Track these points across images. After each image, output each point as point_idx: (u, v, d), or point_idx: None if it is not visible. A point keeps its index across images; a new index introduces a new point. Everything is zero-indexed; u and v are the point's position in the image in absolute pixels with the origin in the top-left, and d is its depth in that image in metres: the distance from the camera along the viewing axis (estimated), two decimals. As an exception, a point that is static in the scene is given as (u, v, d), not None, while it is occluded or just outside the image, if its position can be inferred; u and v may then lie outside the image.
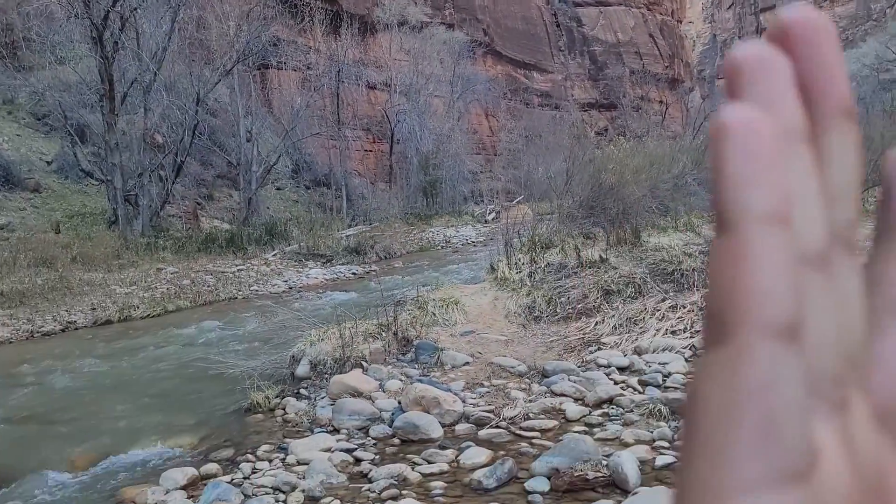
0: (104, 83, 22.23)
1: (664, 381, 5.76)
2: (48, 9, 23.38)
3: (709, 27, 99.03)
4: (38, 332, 12.24)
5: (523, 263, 9.55)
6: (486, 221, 34.60)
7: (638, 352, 6.73)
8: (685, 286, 9.37)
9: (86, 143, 26.97)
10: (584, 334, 7.53)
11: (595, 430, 4.84)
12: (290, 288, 16.36)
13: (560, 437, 4.68)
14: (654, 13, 73.65)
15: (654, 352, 6.67)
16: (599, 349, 6.97)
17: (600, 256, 9.88)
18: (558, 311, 8.29)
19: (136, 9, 22.73)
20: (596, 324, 7.76)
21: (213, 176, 31.63)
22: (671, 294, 8.91)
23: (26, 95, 28.88)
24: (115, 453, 5.54)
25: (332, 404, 5.73)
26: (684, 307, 8.23)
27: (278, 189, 35.51)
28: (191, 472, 4.81)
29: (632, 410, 5.07)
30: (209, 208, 29.60)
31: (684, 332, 7.40)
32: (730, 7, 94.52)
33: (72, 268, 16.72)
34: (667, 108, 67.20)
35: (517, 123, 53.13)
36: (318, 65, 37.65)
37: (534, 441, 4.76)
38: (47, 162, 27.91)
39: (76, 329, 12.59)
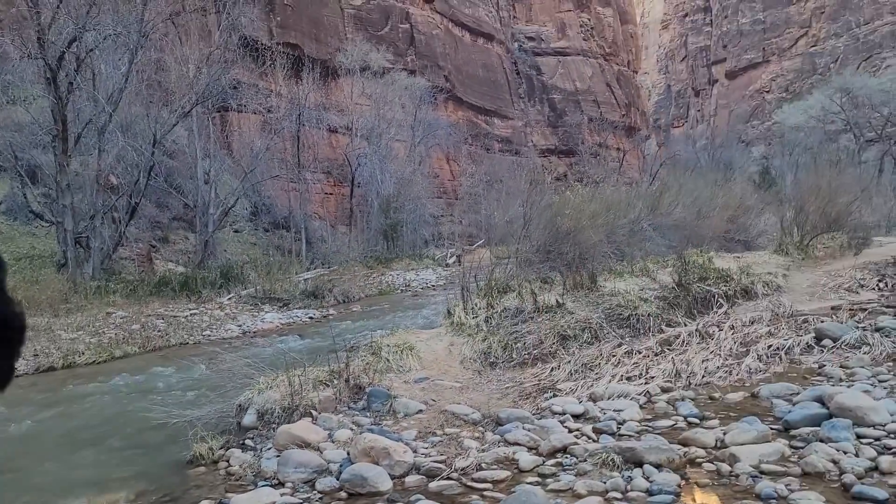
0: (57, 124, 21.83)
1: (618, 428, 5.67)
2: (1, 48, 23.01)
3: (664, 78, 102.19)
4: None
5: (480, 308, 9.47)
6: (446, 265, 34.60)
7: (593, 398, 6.65)
8: (640, 331, 9.38)
9: (37, 184, 26.38)
10: (539, 380, 7.43)
11: (548, 480, 4.71)
12: (245, 333, 16.00)
13: (512, 489, 4.54)
14: (610, 63, 75.74)
15: (609, 398, 6.60)
16: (555, 395, 6.87)
17: (557, 301, 9.85)
18: (514, 356, 8.19)
19: (92, 50, 22.48)
20: (552, 370, 7.67)
21: (168, 218, 31.14)
22: (627, 339, 8.90)
23: (-24, 138, 28.19)
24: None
25: (277, 455, 5.51)
26: (640, 352, 8.21)
27: (236, 231, 35.06)
28: (123, 530, 4.54)
29: (585, 460, 4.96)
30: (164, 251, 29.04)
31: (639, 377, 7.36)
32: (683, 59, 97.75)
33: (16, 312, 16.11)
34: (624, 155, 68.72)
35: (478, 168, 53.68)
36: (280, 108, 37.65)
37: (485, 493, 4.61)
38: (-4, 203, 27.16)
39: (16, 377, 12.04)
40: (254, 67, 39.15)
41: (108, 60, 24.40)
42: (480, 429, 6.04)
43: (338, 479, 4.99)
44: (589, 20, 74.07)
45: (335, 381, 7.02)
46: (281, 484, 5.11)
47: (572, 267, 11.32)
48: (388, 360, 7.72)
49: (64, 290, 19.01)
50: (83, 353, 13.20)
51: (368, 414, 6.54)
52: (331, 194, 44.47)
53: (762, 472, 4.50)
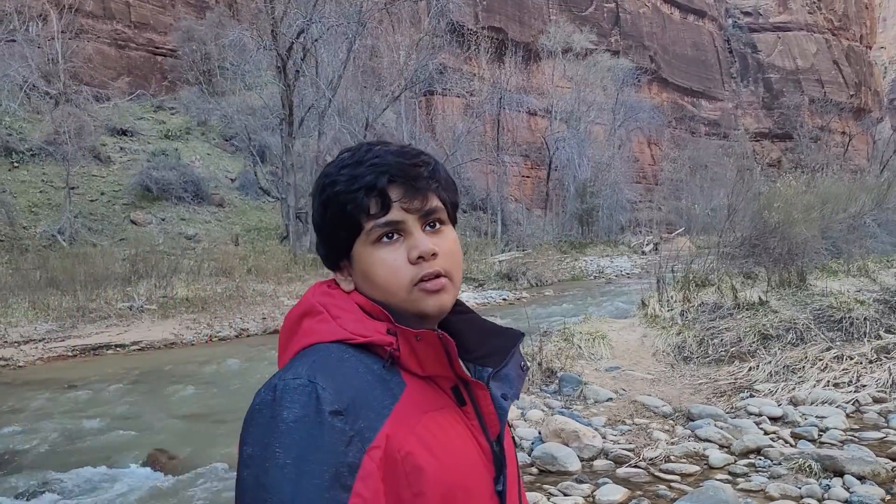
0: (285, 108, 24.12)
1: (819, 435, 5.45)
2: (241, 41, 25.76)
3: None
4: (216, 337, 13.48)
5: (675, 301, 9.33)
6: (642, 253, 33.76)
7: (793, 402, 6.39)
8: (854, 336, 8.75)
9: (265, 163, 29.36)
10: (735, 379, 7.25)
11: (739, 479, 4.68)
12: (442, 309, 16.83)
13: (700, 484, 4.58)
14: (839, 38, 68.88)
15: (811, 404, 6.31)
16: (752, 396, 6.69)
17: (760, 298, 9.45)
18: (710, 352, 8.03)
19: (317, 40, 24.50)
20: (749, 369, 7.44)
21: (376, 197, 33.17)
22: (837, 343, 8.36)
23: (217, 118, 31.88)
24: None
25: (473, 428, 5.94)
26: (851, 358, 7.70)
27: (436, 212, 36.57)
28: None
29: (780, 463, 4.85)
30: (371, 228, 31.01)
31: (848, 385, 6.93)
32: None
33: (246, 279, 18.21)
34: (850, 140, 62.34)
35: (681, 153, 51.50)
36: (482, 91, 38.59)
37: (672, 484, 4.69)
38: (231, 179, 30.62)
39: (248, 336, 13.73)
40: (459, 52, 40.37)
41: (330, 49, 26.47)
42: (671, 422, 6.08)
43: (529, 455, 5.30)
44: (816, -9, 67.74)
45: (528, 363, 7.34)
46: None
47: (779, 263, 10.75)
48: (579, 347, 7.91)
49: (286, 261, 21.12)
50: (302, 319, 14.66)
51: (559, 397, 6.79)
52: (527, 177, 44.94)
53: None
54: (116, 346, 12.30)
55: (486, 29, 44.15)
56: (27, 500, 5.36)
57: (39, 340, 12.13)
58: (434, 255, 0.96)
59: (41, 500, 5.36)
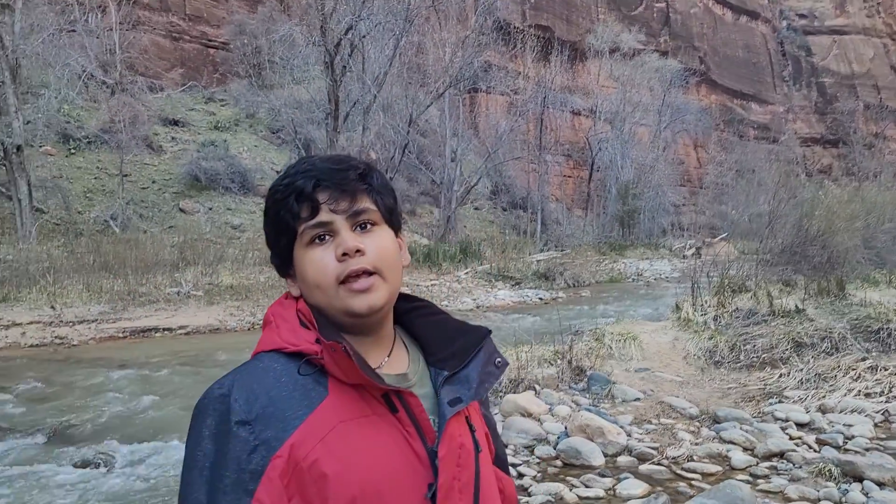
0: (331, 103, 24.54)
1: (845, 442, 5.52)
2: (291, 36, 26.29)
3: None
4: (258, 325, 13.91)
5: (709, 306, 9.39)
6: (683, 257, 33.41)
7: (822, 409, 6.45)
8: (891, 347, 8.72)
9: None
10: (765, 385, 7.31)
11: (759, 481, 4.80)
12: (478, 307, 17.06)
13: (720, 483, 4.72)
14: (898, 43, 66.91)
15: (840, 412, 6.37)
16: (780, 402, 6.76)
17: (796, 306, 9.45)
18: (741, 358, 8.09)
19: (364, 36, 24.86)
20: (780, 376, 7.50)
21: (417, 192, 33.51)
22: (873, 354, 8.34)
23: (265, 111, 32.53)
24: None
25: (502, 421, 6.14)
26: (885, 369, 7.69)
27: (476, 209, 36.80)
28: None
29: (801, 467, 4.96)
30: (411, 223, 31.38)
31: (880, 395, 6.95)
32: None
33: (289, 268, 18.65)
34: (905, 148, 60.60)
35: (728, 156, 50.67)
36: (526, 90, 38.55)
37: (693, 482, 4.83)
38: (276, 171, 31.17)
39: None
40: (504, 50, 40.39)
41: (377, 45, 26.82)
42: (696, 423, 6.19)
43: (555, 449, 5.49)
44: (875, -6, 65.92)
45: (558, 361, 7.52)
46: (504, 445, 5.73)
47: (819, 271, 10.70)
48: (610, 348, 8.05)
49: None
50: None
51: (587, 395, 6.95)
52: (569, 177, 44.79)
53: None
54: (164, 329, 12.81)
55: (533, 27, 44.08)
56: (82, 468, 5.74)
57: (92, 321, 12.70)
58: (359, 251, 1.03)
59: (96, 470, 5.73)
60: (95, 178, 25.26)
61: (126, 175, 24.72)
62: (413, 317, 1.18)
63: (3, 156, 19.40)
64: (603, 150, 39.56)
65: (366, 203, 1.07)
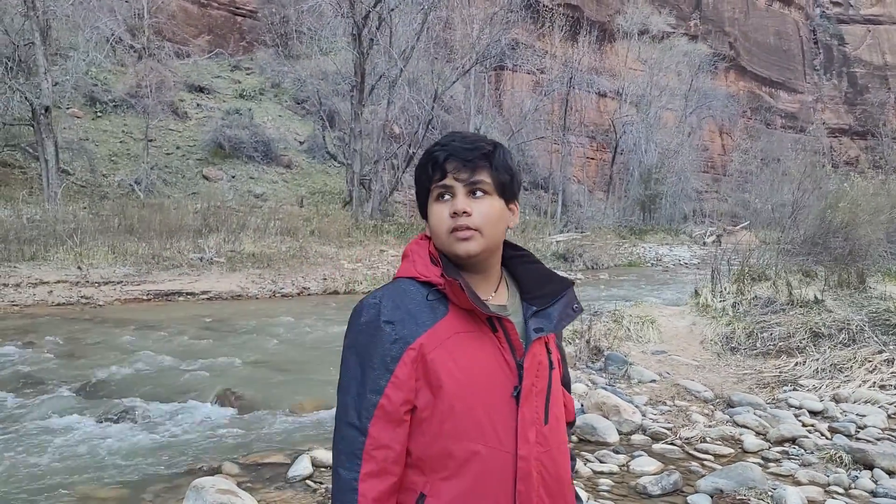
0: (356, 75, 24.54)
1: (857, 431, 5.58)
2: (320, 7, 26.24)
3: None
4: (279, 293, 14.12)
5: (728, 293, 9.42)
6: (704, 244, 33.27)
7: (836, 399, 6.50)
8: (910, 341, 8.71)
9: (334, 129, 29.94)
10: (780, 372, 7.37)
11: (770, 464, 4.88)
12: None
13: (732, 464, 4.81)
14: (934, 35, 65.47)
15: (854, 402, 6.42)
16: (795, 390, 6.82)
17: (815, 297, 9.45)
18: (758, 345, 8.14)
19: (393, 9, 24.77)
20: (796, 364, 7.54)
21: (439, 169, 33.38)
22: (890, 347, 8.35)
23: (291, 81, 32.57)
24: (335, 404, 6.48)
25: (519, 395, 6.25)
26: (902, 363, 7.71)
27: (498, 187, 36.62)
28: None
29: (812, 453, 5.03)
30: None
31: (895, 388, 6.98)
32: None
33: (309, 240, 18.84)
34: (935, 143, 59.55)
35: (754, 144, 50.05)
36: (552, 69, 38.25)
37: (705, 462, 4.92)
38: (300, 142, 31.34)
39: (308, 294, 14.33)
40: (532, 28, 40.05)
41: (404, 19, 26.71)
42: (711, 407, 6.28)
43: (570, 425, 5.60)
44: (913, -17, 64.39)
45: (577, 341, 7.61)
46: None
47: (839, 263, 10.67)
48: (628, 329, 8.13)
49: (347, 225, 21.71)
50: (361, 283, 15.21)
51: (604, 375, 7.05)
52: (592, 159, 44.55)
53: None
54: (187, 293, 13.04)
55: (562, 6, 43.60)
56: (111, 423, 5.93)
57: (118, 283, 12.95)
58: (466, 213, 1.34)
59: (123, 425, 5.92)
60: (121, 141, 25.51)
61: (151, 140, 24.94)
62: (516, 262, 1.50)
63: (32, 116, 19.65)
64: (627, 133, 39.28)
65: (482, 176, 1.37)
